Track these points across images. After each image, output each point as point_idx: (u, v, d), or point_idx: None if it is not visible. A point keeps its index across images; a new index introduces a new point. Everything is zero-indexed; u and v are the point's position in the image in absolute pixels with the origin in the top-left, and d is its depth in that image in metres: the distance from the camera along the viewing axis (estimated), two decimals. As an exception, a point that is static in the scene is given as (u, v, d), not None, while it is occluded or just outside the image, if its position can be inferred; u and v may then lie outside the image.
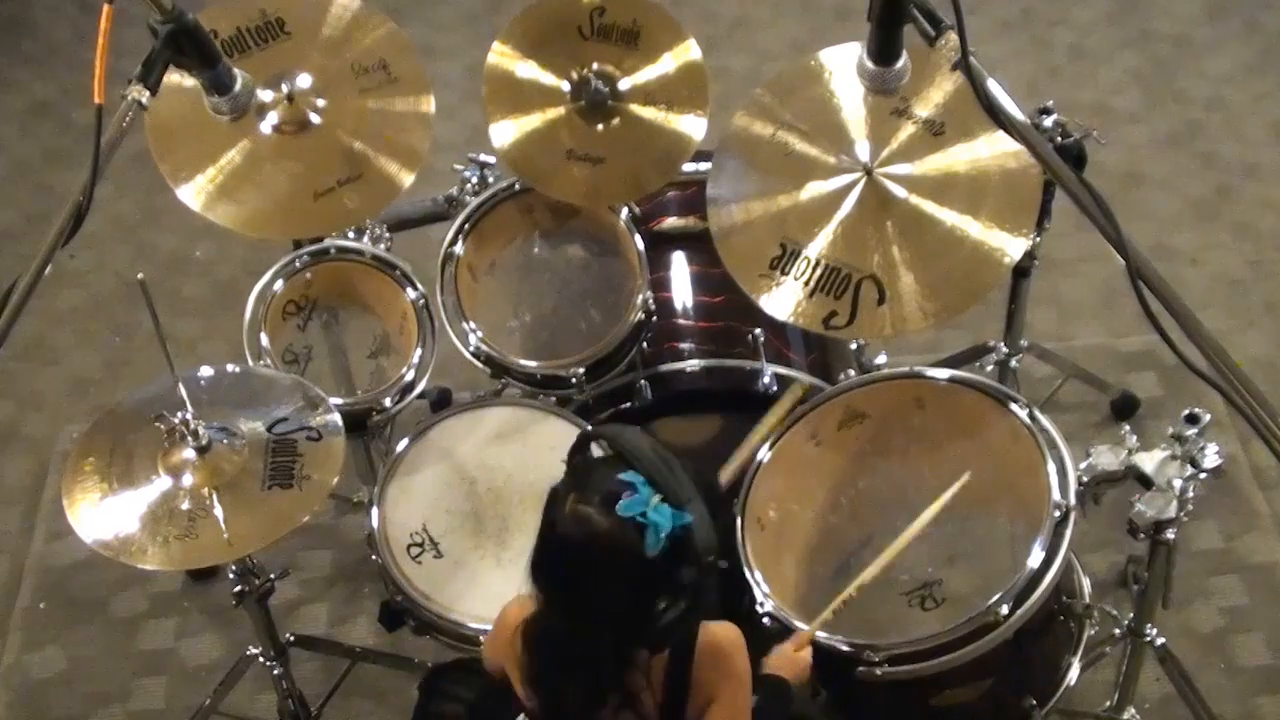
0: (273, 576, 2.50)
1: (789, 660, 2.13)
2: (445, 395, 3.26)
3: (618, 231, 2.72)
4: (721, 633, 1.90)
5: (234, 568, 2.42)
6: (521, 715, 1.98)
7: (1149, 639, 2.50)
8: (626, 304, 2.66)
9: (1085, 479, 2.22)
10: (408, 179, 2.52)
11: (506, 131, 2.62)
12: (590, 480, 1.76)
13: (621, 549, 1.71)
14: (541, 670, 1.86)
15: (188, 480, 2.19)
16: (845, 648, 2.20)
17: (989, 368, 3.09)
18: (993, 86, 1.76)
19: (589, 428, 1.96)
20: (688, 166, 2.66)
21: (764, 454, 2.42)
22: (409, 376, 2.63)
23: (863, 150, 2.36)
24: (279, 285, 2.66)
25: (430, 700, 2.44)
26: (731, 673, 1.90)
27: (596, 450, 1.89)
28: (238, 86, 2.17)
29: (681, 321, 2.83)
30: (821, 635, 2.20)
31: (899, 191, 2.33)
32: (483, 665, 2.15)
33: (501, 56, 2.63)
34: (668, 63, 2.61)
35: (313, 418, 2.28)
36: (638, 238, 2.69)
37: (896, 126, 2.35)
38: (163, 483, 2.19)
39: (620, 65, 2.62)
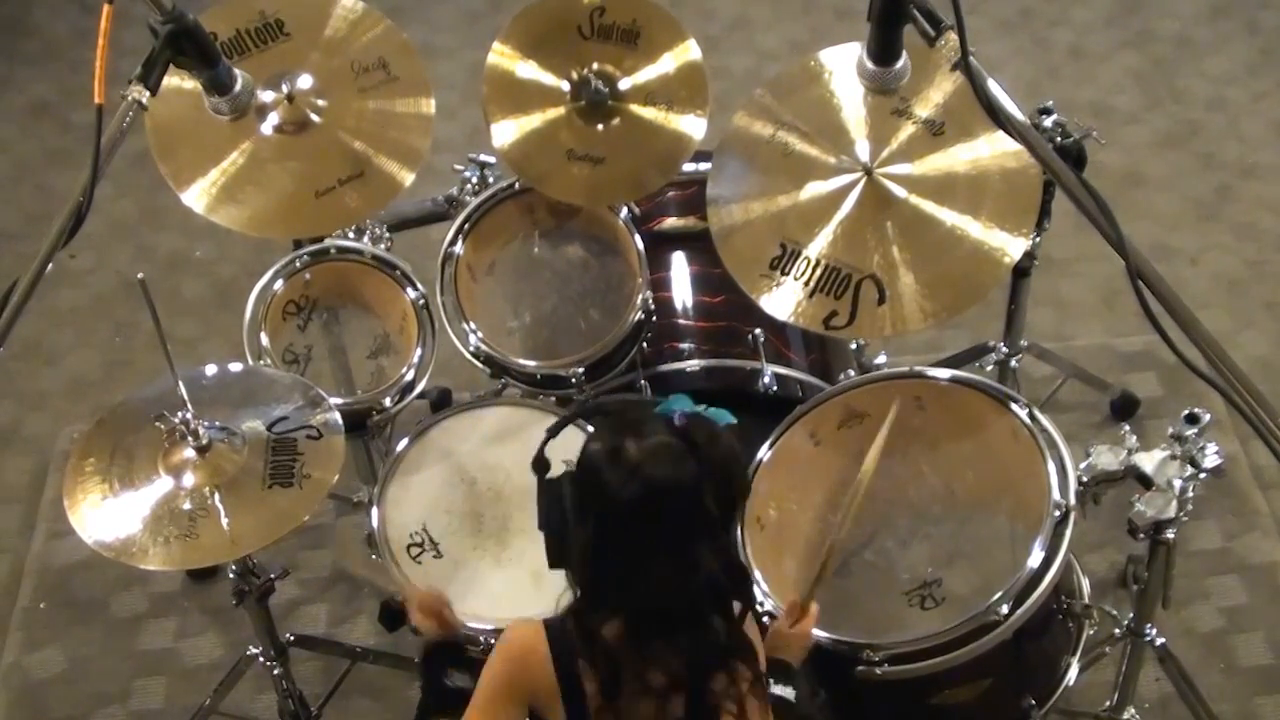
0: (273, 576, 2.50)
1: (790, 637, 2.09)
2: (445, 395, 3.26)
3: (618, 231, 2.72)
4: (753, 634, 1.88)
5: (234, 568, 2.42)
6: None
7: (1149, 639, 2.50)
8: (626, 304, 2.66)
9: (1085, 479, 2.22)
10: (408, 178, 2.52)
11: (506, 131, 2.62)
12: (619, 431, 1.71)
13: (712, 442, 1.69)
14: (584, 684, 1.77)
15: (188, 480, 2.19)
16: (845, 647, 2.20)
17: (989, 368, 3.09)
18: (993, 86, 1.76)
19: (589, 404, 1.91)
20: (688, 166, 2.66)
21: (764, 453, 2.42)
22: (409, 376, 2.63)
23: (863, 150, 2.36)
24: (279, 285, 2.67)
25: (437, 674, 2.42)
26: (755, 680, 1.86)
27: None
28: (238, 87, 2.17)
29: (681, 321, 2.83)
30: (821, 635, 2.20)
31: (899, 191, 2.33)
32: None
33: (501, 56, 2.64)
34: (668, 63, 2.62)
35: (313, 416, 2.28)
36: (638, 238, 2.69)
37: (896, 126, 2.35)
38: (163, 483, 2.19)
39: (620, 65, 2.62)
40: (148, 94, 1.91)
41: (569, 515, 1.77)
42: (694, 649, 1.78)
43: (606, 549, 1.74)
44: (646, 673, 1.77)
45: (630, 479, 1.68)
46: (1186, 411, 2.20)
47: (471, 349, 2.68)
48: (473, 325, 2.67)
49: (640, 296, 2.64)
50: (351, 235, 2.76)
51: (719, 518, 1.74)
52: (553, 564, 1.83)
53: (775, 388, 2.69)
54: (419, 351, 2.64)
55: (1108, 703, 2.65)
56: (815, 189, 2.36)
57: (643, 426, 1.71)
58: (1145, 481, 2.19)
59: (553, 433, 1.82)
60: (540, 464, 1.82)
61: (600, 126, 2.62)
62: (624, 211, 2.72)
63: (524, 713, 1.86)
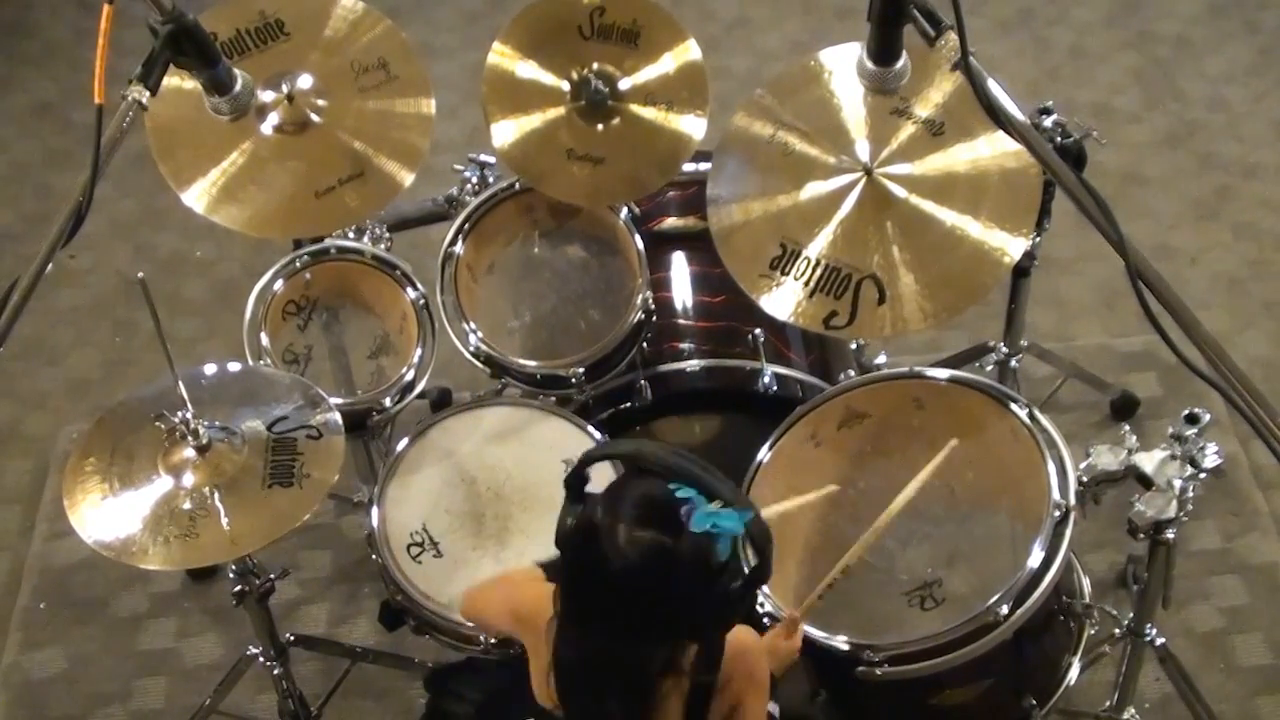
0: (273, 576, 2.50)
1: (779, 650, 2.09)
2: (445, 395, 3.26)
3: (618, 231, 2.72)
4: (744, 635, 1.88)
5: (234, 567, 2.42)
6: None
7: (1149, 639, 2.50)
8: (626, 304, 2.66)
9: (1085, 479, 2.22)
10: (408, 178, 2.52)
11: (506, 131, 2.62)
12: (635, 503, 1.68)
13: (696, 567, 1.64)
14: (580, 686, 1.79)
15: (188, 480, 2.19)
16: (845, 648, 2.20)
17: (989, 368, 3.09)
18: (993, 86, 1.76)
19: (597, 450, 1.83)
20: (688, 166, 2.66)
21: (764, 454, 2.42)
22: (409, 376, 2.63)
23: (863, 150, 2.36)
24: (279, 285, 2.67)
25: (439, 699, 2.44)
26: (755, 676, 1.88)
27: (609, 470, 1.81)
28: (238, 86, 2.17)
29: (681, 321, 2.83)
30: (821, 635, 2.21)
31: (899, 191, 2.33)
32: (488, 665, 2.13)
33: (501, 56, 2.64)
34: (668, 63, 2.61)
35: (313, 416, 2.28)
36: (638, 238, 2.69)
37: (896, 126, 2.35)
38: (163, 482, 2.19)
39: (620, 65, 2.62)
40: (148, 94, 1.90)
41: (569, 544, 1.76)
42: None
43: (574, 601, 1.75)
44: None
45: (612, 560, 1.66)
46: (1186, 411, 2.20)
47: (471, 349, 2.68)
48: (473, 325, 2.67)
49: (640, 296, 2.64)
50: (351, 235, 2.76)
51: (688, 629, 1.74)
52: (549, 576, 1.83)
53: (775, 388, 2.68)
54: (419, 351, 2.64)
55: (1108, 703, 2.65)
56: (815, 189, 2.36)
57: (649, 514, 1.67)
58: (1145, 481, 2.19)
59: (589, 461, 1.80)
60: (572, 484, 1.78)
61: (600, 126, 2.62)
62: (624, 211, 2.72)
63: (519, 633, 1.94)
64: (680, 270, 2.87)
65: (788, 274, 2.33)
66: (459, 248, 2.72)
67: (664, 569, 1.65)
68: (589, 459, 1.80)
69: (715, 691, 1.82)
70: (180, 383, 2.18)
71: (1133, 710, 2.65)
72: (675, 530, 1.65)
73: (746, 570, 1.73)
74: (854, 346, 2.81)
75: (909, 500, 2.22)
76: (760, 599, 2.25)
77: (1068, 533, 2.19)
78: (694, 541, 1.65)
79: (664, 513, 1.66)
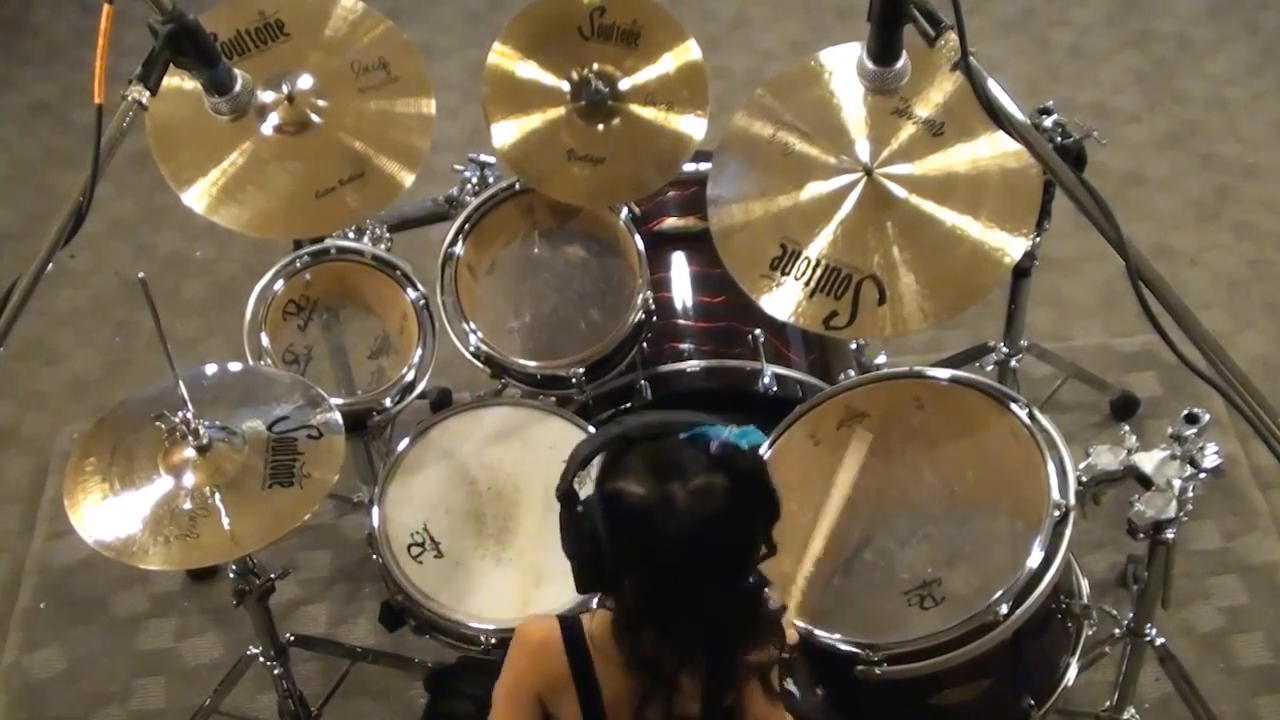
0: (273, 576, 2.49)
1: None
2: (445, 395, 3.26)
3: (618, 231, 2.72)
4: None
5: (234, 567, 2.42)
6: None
7: (1149, 639, 2.50)
8: (626, 304, 2.66)
9: (1085, 479, 2.22)
10: (408, 179, 2.52)
11: (507, 131, 2.62)
12: (659, 469, 1.67)
13: (755, 476, 1.67)
14: (600, 677, 1.80)
15: (188, 480, 2.19)
16: (845, 647, 2.20)
17: (989, 368, 3.09)
18: (993, 86, 1.76)
19: (614, 428, 1.79)
20: (688, 166, 2.66)
21: (764, 454, 2.42)
22: (409, 376, 2.63)
23: (863, 150, 2.36)
24: (279, 285, 2.67)
25: (440, 699, 2.43)
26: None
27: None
28: (238, 87, 2.17)
29: (681, 321, 2.83)
30: (821, 634, 2.20)
31: (899, 191, 2.33)
32: (489, 665, 2.12)
33: (501, 56, 2.64)
34: (668, 63, 2.62)
35: (313, 416, 2.28)
36: (638, 238, 2.69)
37: (896, 126, 2.35)
38: (164, 482, 2.19)
39: (620, 65, 2.62)
40: (148, 94, 1.91)
41: (607, 550, 1.73)
42: (720, 662, 1.79)
43: (657, 587, 1.73)
44: (678, 677, 1.79)
45: (683, 525, 1.66)
46: (1186, 411, 2.19)
47: (472, 349, 2.68)
48: (473, 325, 2.67)
49: (640, 297, 2.64)
50: (351, 235, 2.76)
51: (763, 539, 1.76)
52: (583, 589, 1.82)
53: (775, 388, 2.68)
54: (419, 352, 2.64)
55: (1108, 703, 2.65)
56: (815, 189, 2.36)
57: (684, 465, 1.67)
58: (1145, 481, 2.19)
59: (581, 463, 1.77)
60: (568, 496, 1.76)
61: (600, 127, 2.62)
62: (624, 211, 2.72)
63: (540, 707, 1.87)
64: (680, 270, 2.87)
65: (788, 274, 2.33)
66: (459, 248, 2.72)
67: (732, 503, 1.66)
68: (578, 463, 1.76)
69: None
70: (181, 383, 2.18)
71: (1132, 710, 2.65)
72: (717, 462, 1.65)
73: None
74: (854, 346, 2.81)
75: (848, 495, 2.25)
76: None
77: (1067, 533, 2.19)
78: (739, 459, 1.66)
79: (692, 457, 1.66)
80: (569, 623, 1.88)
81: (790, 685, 1.98)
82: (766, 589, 1.79)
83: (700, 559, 1.70)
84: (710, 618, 1.75)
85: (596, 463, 1.78)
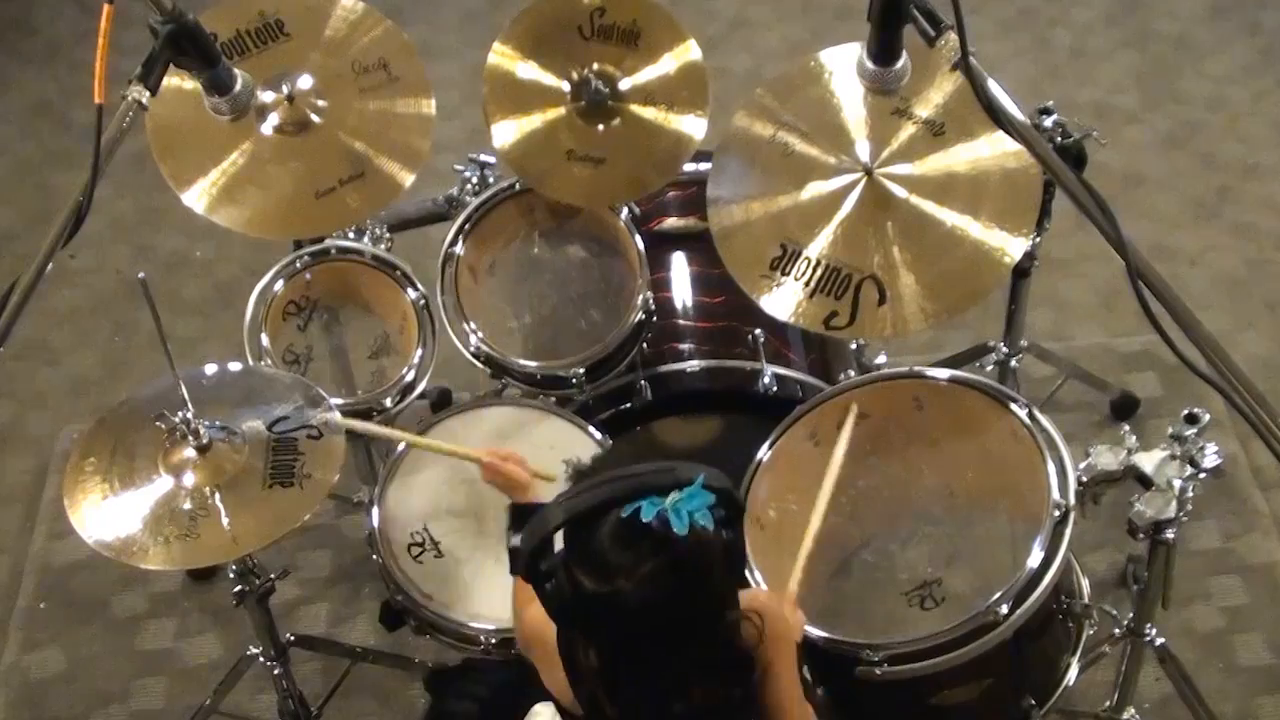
0: (273, 576, 2.50)
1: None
2: (445, 395, 3.26)
3: (618, 231, 2.72)
4: (762, 597, 1.89)
5: (234, 568, 2.42)
6: (540, 706, 1.95)
7: (1149, 639, 2.50)
8: (626, 304, 2.66)
9: (1085, 479, 2.22)
10: (408, 179, 2.52)
11: (506, 131, 2.62)
12: (604, 553, 1.62)
13: (703, 550, 1.61)
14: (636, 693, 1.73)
15: (188, 480, 2.20)
16: (845, 648, 2.20)
17: (989, 368, 3.09)
18: (993, 86, 1.76)
19: (551, 515, 1.69)
20: (688, 166, 2.66)
21: (764, 454, 2.42)
22: (409, 377, 2.63)
23: (863, 150, 2.36)
24: (279, 285, 2.66)
25: (441, 699, 2.43)
26: (782, 636, 1.84)
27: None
28: (238, 87, 2.17)
29: (681, 322, 2.83)
30: (821, 634, 2.20)
31: (899, 191, 2.33)
32: (489, 665, 2.12)
33: (501, 56, 2.64)
34: (668, 63, 2.62)
35: (313, 416, 2.28)
36: (638, 238, 2.69)
37: (896, 126, 2.35)
38: (164, 482, 2.20)
39: (620, 65, 2.62)
40: (148, 94, 1.90)
41: (574, 635, 1.72)
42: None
43: (619, 670, 1.70)
44: None
45: (641, 614, 1.63)
46: (1186, 411, 2.19)
47: (472, 349, 2.68)
48: (473, 325, 2.67)
49: (640, 297, 2.64)
50: (351, 235, 2.76)
51: (729, 587, 1.71)
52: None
53: (775, 388, 2.68)
54: (419, 352, 2.64)
55: (1108, 703, 2.65)
56: (815, 189, 2.36)
57: (626, 556, 1.62)
58: (1145, 481, 2.19)
59: (529, 555, 1.69)
60: (536, 570, 1.70)
61: (600, 127, 2.62)
62: (624, 211, 2.72)
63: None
64: (680, 270, 2.87)
65: (788, 274, 2.33)
66: (459, 248, 2.72)
67: (680, 580, 1.62)
68: (533, 550, 1.69)
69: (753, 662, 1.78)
70: (181, 383, 2.18)
71: (1132, 710, 2.65)
72: (661, 543, 1.60)
73: (724, 515, 1.67)
74: (854, 346, 2.80)
75: (836, 479, 2.24)
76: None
77: (1067, 533, 2.19)
78: (684, 538, 1.60)
79: (637, 538, 1.61)
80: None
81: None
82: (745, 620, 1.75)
83: (669, 628, 1.67)
84: (682, 666, 1.70)
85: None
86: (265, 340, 2.61)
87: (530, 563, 1.68)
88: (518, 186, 2.73)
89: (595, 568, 1.63)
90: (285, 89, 2.49)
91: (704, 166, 2.56)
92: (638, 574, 1.61)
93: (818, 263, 2.32)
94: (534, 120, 2.63)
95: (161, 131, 2.44)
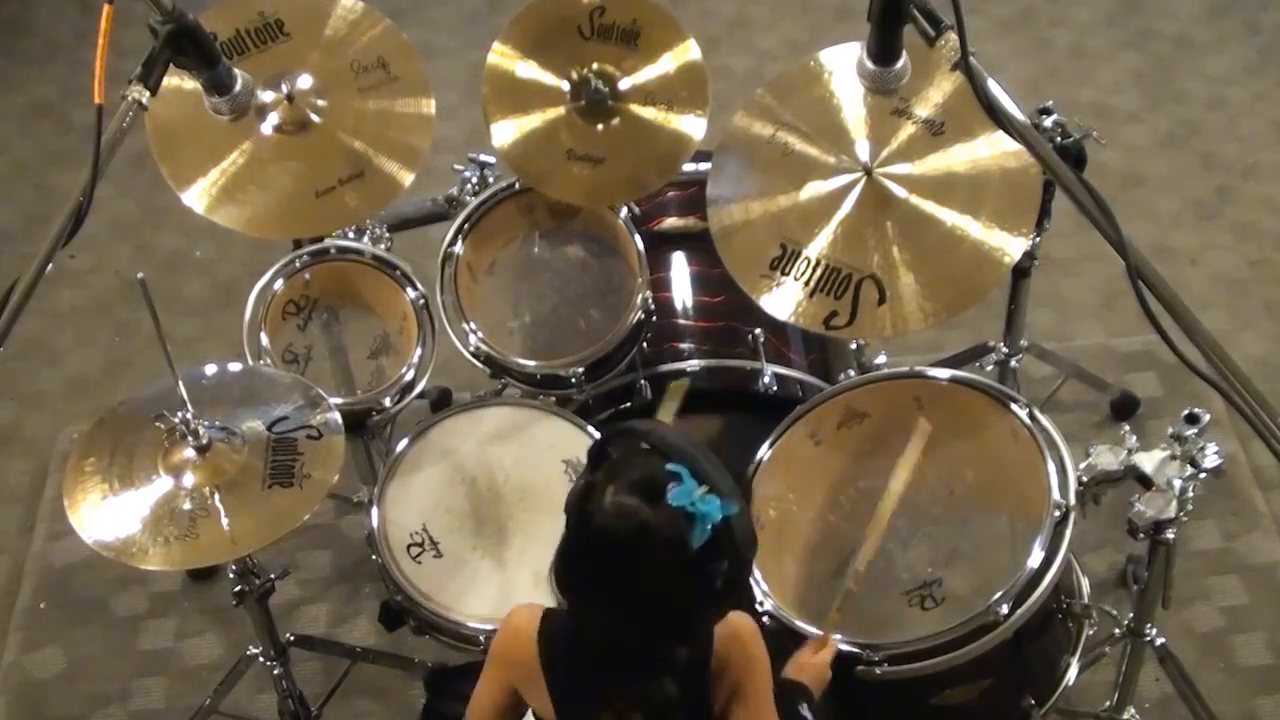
0: (273, 576, 2.50)
1: (808, 665, 2.13)
2: (445, 395, 3.26)
3: (618, 231, 2.72)
4: (738, 621, 1.89)
5: (234, 568, 2.42)
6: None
7: (1149, 639, 2.50)
8: (626, 304, 2.66)
9: (1085, 479, 2.22)
10: (408, 178, 2.52)
11: (506, 131, 2.62)
12: (629, 471, 1.72)
13: (668, 540, 1.67)
14: (566, 673, 1.84)
15: (188, 480, 2.19)
16: (845, 648, 2.20)
17: (989, 368, 3.09)
18: (993, 86, 1.76)
19: (619, 425, 1.89)
20: (688, 166, 2.66)
21: (764, 453, 2.42)
22: (409, 376, 2.63)
23: (863, 150, 2.36)
24: (279, 285, 2.66)
25: (438, 700, 2.44)
26: (752, 663, 1.89)
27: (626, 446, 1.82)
28: (238, 87, 2.17)
29: (681, 321, 2.83)
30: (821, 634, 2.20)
31: (899, 191, 2.33)
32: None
33: (501, 56, 2.64)
34: (668, 63, 2.61)
35: (313, 416, 2.28)
36: (638, 238, 2.69)
37: (896, 126, 2.35)
38: (163, 482, 2.19)
39: (620, 65, 2.62)
40: (148, 94, 1.90)
41: (568, 502, 1.79)
42: (645, 698, 1.82)
43: (573, 561, 1.78)
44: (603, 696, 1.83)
45: (593, 515, 1.71)
46: (1186, 411, 2.19)
47: (471, 349, 2.68)
48: (473, 325, 2.67)
49: (640, 296, 2.64)
50: (351, 235, 2.76)
51: (666, 591, 1.75)
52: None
53: (775, 388, 2.68)
54: (419, 351, 2.64)
55: (1108, 703, 2.65)
56: (815, 189, 2.36)
57: (633, 478, 1.71)
58: (1145, 481, 2.19)
59: (613, 434, 1.83)
60: (597, 452, 1.81)
61: (600, 126, 2.62)
62: (624, 211, 2.72)
63: (509, 681, 1.93)
64: (680, 270, 2.87)
65: (788, 274, 2.33)
66: (459, 248, 2.72)
67: (637, 537, 1.68)
68: (613, 432, 1.83)
69: (712, 677, 1.85)
70: (180, 383, 2.18)
71: (1133, 710, 2.65)
72: (655, 502, 1.67)
73: (726, 564, 1.72)
74: (854, 346, 2.80)
75: (902, 495, 2.24)
76: (760, 598, 2.25)
77: (1068, 533, 2.19)
78: (669, 516, 1.67)
79: (650, 485, 1.68)
80: (552, 612, 1.91)
81: (807, 712, 2.00)
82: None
83: (590, 565, 1.75)
84: (597, 639, 1.80)
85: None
86: (265, 340, 2.61)
87: (607, 438, 1.80)
88: (517, 186, 2.73)
89: (609, 471, 1.73)
90: (285, 89, 2.49)
91: (704, 166, 2.56)
92: (618, 498, 1.69)
93: (817, 262, 2.32)
94: (534, 120, 2.62)
95: (161, 131, 2.44)
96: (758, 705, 1.90)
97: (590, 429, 2.56)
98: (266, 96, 2.48)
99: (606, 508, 1.70)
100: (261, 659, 2.64)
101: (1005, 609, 2.14)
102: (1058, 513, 2.20)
